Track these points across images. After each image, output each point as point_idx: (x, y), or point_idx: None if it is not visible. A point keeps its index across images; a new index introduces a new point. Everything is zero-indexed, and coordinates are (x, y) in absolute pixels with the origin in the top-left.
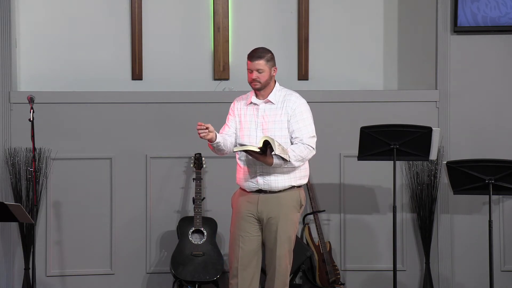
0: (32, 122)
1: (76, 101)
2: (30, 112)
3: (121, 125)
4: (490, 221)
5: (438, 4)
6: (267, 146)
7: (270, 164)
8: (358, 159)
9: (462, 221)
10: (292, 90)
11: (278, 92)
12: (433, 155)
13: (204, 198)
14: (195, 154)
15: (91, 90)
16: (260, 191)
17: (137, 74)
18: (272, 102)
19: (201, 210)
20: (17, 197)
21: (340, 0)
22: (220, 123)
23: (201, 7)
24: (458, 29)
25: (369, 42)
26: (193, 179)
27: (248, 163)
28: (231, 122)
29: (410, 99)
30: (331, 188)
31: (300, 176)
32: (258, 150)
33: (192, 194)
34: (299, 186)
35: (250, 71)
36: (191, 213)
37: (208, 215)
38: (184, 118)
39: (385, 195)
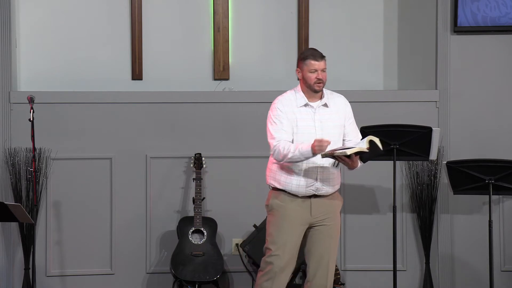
0: (32, 122)
1: (76, 101)
2: (30, 112)
3: (121, 125)
4: (490, 221)
5: (438, 4)
6: (373, 145)
7: (356, 167)
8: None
9: (462, 221)
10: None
11: (327, 95)
12: (433, 155)
13: (204, 198)
14: (195, 154)
15: (91, 90)
16: (312, 196)
17: (137, 74)
18: (327, 106)
19: (201, 210)
20: (17, 197)
21: (340, 0)
22: (220, 123)
23: (201, 7)
24: (458, 29)
25: (369, 42)
26: (193, 179)
27: (307, 169)
28: (288, 127)
29: (410, 99)
30: None
31: (340, 180)
32: (367, 150)
33: (192, 194)
34: (338, 189)
35: (313, 71)
36: (191, 213)
37: (208, 215)
38: (184, 118)
39: (385, 195)
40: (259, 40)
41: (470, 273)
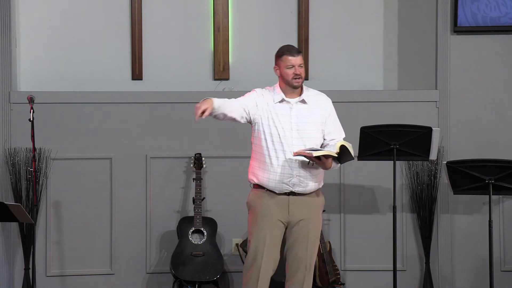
0: (32, 122)
1: (76, 101)
2: (30, 112)
3: (121, 125)
4: (490, 221)
5: (438, 4)
6: (343, 151)
7: (329, 168)
8: (358, 159)
9: (462, 221)
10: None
11: (307, 92)
12: (433, 155)
13: (204, 198)
14: (195, 154)
15: (91, 90)
16: (290, 193)
17: (137, 74)
18: (306, 102)
19: (201, 210)
20: (17, 197)
21: (340, 0)
22: (220, 123)
23: (201, 7)
24: (458, 29)
25: (369, 42)
26: (193, 179)
27: (284, 165)
28: (248, 104)
29: (410, 99)
30: (331, 188)
31: (322, 178)
32: (336, 155)
33: (192, 194)
34: (320, 188)
35: (290, 66)
36: (191, 213)
37: (208, 215)
38: (184, 118)
39: (385, 195)
40: (259, 40)
41: (470, 273)
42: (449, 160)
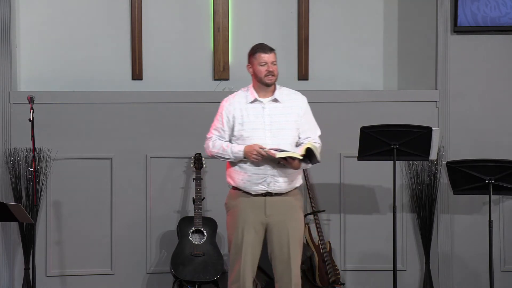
0: (32, 122)
1: (76, 101)
2: (30, 112)
3: (121, 125)
4: (490, 221)
5: (438, 4)
6: (309, 153)
7: (297, 168)
8: (358, 159)
9: (462, 221)
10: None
11: (280, 90)
12: (433, 155)
13: (204, 198)
14: (195, 154)
15: (91, 90)
16: (266, 193)
17: (137, 74)
18: (278, 101)
19: (201, 210)
20: (17, 197)
21: (340, 0)
22: None
23: (201, 7)
24: (458, 29)
25: (369, 42)
26: (193, 179)
27: (256, 165)
28: (226, 127)
29: (410, 99)
30: (331, 188)
31: (300, 177)
32: (301, 157)
33: (192, 194)
34: (298, 187)
35: (263, 64)
36: (191, 213)
37: (208, 215)
38: (184, 118)
39: (385, 195)
40: (259, 40)
41: (470, 273)
42: (449, 160)
